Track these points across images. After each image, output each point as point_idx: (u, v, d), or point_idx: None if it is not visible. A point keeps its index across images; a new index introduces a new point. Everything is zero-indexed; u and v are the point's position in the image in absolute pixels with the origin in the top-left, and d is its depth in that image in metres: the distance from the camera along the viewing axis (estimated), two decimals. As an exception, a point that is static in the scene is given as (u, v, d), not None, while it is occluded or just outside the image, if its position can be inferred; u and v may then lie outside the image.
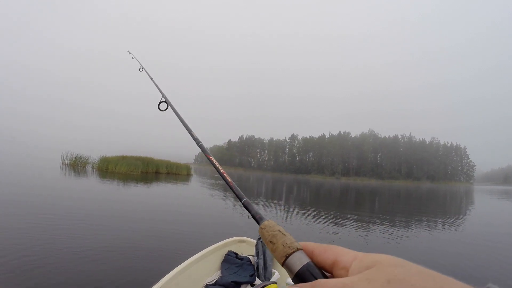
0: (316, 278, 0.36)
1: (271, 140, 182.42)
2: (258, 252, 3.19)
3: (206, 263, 2.88)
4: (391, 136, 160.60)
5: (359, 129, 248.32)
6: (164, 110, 1.28)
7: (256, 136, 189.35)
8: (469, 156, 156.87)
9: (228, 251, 3.20)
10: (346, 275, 0.34)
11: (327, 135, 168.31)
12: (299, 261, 0.38)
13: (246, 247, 3.40)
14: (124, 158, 26.19)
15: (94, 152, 28.18)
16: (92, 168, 23.94)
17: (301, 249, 0.40)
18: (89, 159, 24.81)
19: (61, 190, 10.92)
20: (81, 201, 9.28)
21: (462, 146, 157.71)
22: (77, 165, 23.65)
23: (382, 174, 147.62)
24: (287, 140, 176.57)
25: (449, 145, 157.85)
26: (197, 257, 2.75)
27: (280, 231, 0.44)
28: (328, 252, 0.38)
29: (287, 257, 0.39)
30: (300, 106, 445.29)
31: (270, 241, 0.43)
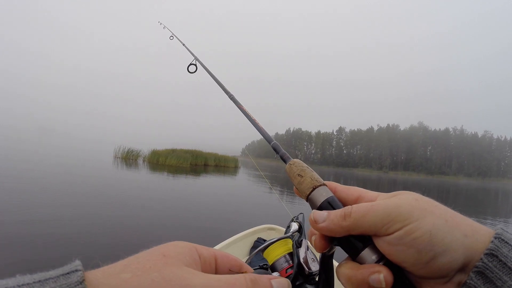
0: None
1: (318, 133, 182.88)
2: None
3: (235, 248, 2.92)
4: (441, 129, 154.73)
5: (407, 115, 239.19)
6: (194, 72, 1.34)
7: (303, 129, 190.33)
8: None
9: (258, 238, 3.22)
10: None
11: (376, 128, 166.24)
12: (325, 193, 0.41)
13: (275, 235, 3.33)
14: (174, 151, 26.72)
15: (145, 145, 29.44)
16: (143, 161, 24.36)
17: (326, 185, 0.43)
18: (141, 152, 25.16)
19: (118, 181, 12.23)
20: (134, 190, 10.37)
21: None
22: (129, 158, 23.97)
23: (431, 168, 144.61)
24: (335, 133, 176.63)
25: (502, 139, 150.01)
26: (227, 242, 2.80)
27: (308, 167, 0.46)
28: (351, 189, 0.42)
29: (313, 189, 0.42)
30: (347, 91, 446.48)
31: (299, 175, 0.45)
